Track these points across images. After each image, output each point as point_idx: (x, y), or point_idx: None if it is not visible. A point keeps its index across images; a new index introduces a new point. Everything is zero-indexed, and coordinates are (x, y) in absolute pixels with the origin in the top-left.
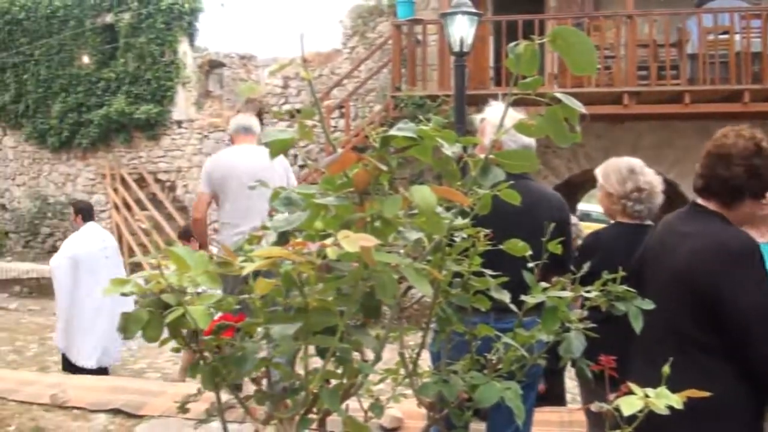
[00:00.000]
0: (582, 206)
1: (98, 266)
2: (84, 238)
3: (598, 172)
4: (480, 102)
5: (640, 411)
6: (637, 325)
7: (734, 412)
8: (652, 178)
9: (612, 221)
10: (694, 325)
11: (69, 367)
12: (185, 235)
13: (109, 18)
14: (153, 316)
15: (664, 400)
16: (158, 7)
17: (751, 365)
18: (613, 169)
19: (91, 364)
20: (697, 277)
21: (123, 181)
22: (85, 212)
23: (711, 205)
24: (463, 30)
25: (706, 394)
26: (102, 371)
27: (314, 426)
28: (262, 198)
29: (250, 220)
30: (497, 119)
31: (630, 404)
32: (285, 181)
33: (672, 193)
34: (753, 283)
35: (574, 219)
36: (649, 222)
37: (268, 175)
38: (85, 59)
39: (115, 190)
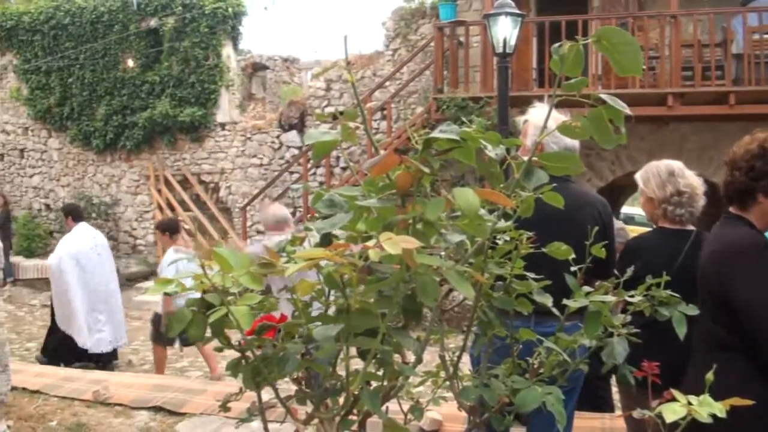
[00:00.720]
0: (625, 209)
1: (91, 263)
2: (77, 237)
3: (639, 176)
4: (523, 103)
5: (683, 418)
6: (681, 331)
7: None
8: (692, 181)
9: (655, 226)
10: (715, 325)
11: (70, 355)
12: (162, 228)
13: (153, 22)
14: (196, 315)
15: (707, 407)
16: (202, 11)
17: (763, 361)
18: (653, 173)
19: (96, 348)
20: (711, 278)
21: (167, 182)
22: (75, 214)
23: (734, 210)
24: (506, 31)
25: (749, 402)
26: (111, 355)
27: (354, 427)
28: None
29: None
30: (540, 121)
31: (673, 411)
32: None
33: (716, 197)
34: (761, 281)
35: (619, 223)
36: (691, 227)
37: None
38: (130, 63)
39: (159, 191)
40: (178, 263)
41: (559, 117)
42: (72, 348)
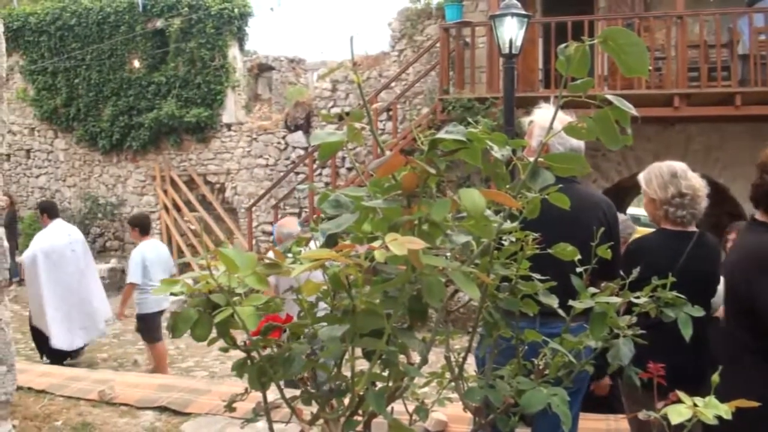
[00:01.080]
0: (631, 210)
1: (64, 259)
2: (51, 234)
3: (641, 177)
4: (529, 104)
5: (688, 420)
6: (687, 332)
7: None
8: (695, 182)
9: (657, 227)
10: (741, 330)
11: (47, 351)
12: (133, 223)
13: (159, 23)
14: (202, 315)
15: (713, 409)
16: (208, 12)
17: None
18: (655, 174)
19: (67, 346)
20: (738, 285)
21: (173, 182)
22: (50, 211)
23: (760, 216)
24: (512, 32)
25: (755, 404)
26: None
27: (359, 428)
28: None
29: None
30: (546, 122)
31: (678, 413)
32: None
33: (721, 198)
34: None
35: (624, 217)
36: (693, 228)
37: None
38: (136, 63)
39: (165, 192)
40: (146, 263)
41: (565, 118)
42: (44, 342)
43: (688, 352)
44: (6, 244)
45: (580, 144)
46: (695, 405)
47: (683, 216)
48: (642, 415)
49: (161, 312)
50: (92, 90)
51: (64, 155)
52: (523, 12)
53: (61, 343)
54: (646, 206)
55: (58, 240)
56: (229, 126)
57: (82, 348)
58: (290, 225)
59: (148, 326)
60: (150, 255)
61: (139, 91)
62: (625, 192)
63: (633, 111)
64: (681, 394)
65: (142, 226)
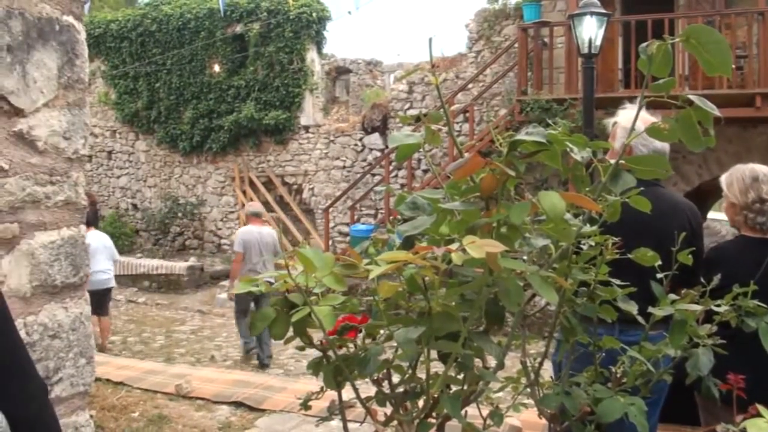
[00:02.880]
0: (712, 215)
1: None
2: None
3: (723, 179)
4: (608, 105)
5: None
6: (767, 343)
7: None
8: None
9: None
10: None
11: None
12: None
13: (239, 28)
14: (279, 314)
15: None
16: (287, 16)
17: None
18: (737, 177)
19: None
20: None
21: (251, 183)
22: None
23: None
24: (591, 31)
25: None
26: None
27: (433, 430)
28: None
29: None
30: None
31: (758, 427)
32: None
33: None
34: None
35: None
36: None
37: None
38: (216, 68)
39: (244, 192)
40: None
41: (648, 119)
42: None
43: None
44: (88, 241)
45: (664, 146)
46: None
47: (763, 222)
48: (721, 428)
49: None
50: (173, 94)
51: (145, 156)
52: (603, 11)
53: None
54: (726, 210)
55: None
56: (306, 128)
57: None
58: (255, 206)
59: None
60: (94, 244)
61: (219, 95)
62: (706, 196)
63: (716, 112)
64: (761, 408)
65: (88, 221)
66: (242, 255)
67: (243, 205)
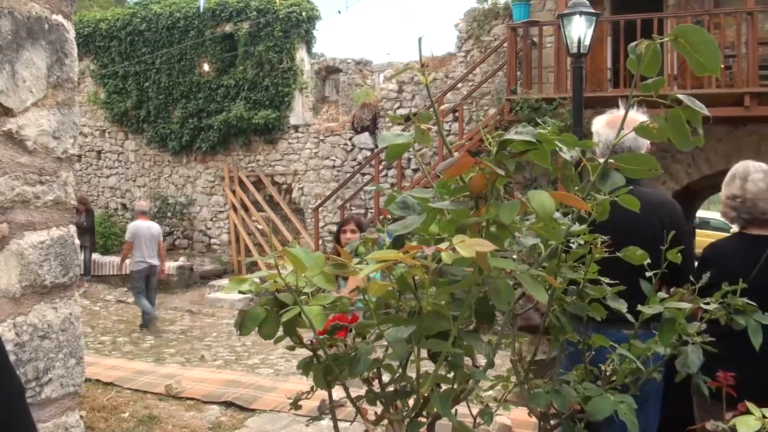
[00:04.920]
0: (701, 213)
1: None
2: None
3: (726, 180)
4: (598, 104)
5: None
6: (757, 341)
7: None
8: (751, 187)
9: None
10: None
11: None
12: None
13: (228, 27)
14: (269, 314)
15: None
16: (276, 15)
17: None
18: (730, 172)
19: None
20: None
21: (241, 183)
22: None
23: None
24: (580, 31)
25: None
26: None
27: (423, 429)
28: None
29: (149, 257)
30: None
31: (747, 424)
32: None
33: None
34: None
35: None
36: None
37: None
38: (206, 67)
39: (234, 192)
40: None
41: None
42: None
43: (759, 362)
44: (77, 241)
45: (638, 144)
46: (765, 417)
47: (733, 217)
48: (710, 425)
49: None
50: (162, 93)
51: (134, 156)
52: (592, 10)
53: None
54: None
55: None
56: (296, 127)
57: None
58: (143, 205)
59: None
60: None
61: (209, 94)
62: (695, 194)
63: (705, 111)
64: (750, 406)
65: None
66: (131, 244)
67: (233, 204)
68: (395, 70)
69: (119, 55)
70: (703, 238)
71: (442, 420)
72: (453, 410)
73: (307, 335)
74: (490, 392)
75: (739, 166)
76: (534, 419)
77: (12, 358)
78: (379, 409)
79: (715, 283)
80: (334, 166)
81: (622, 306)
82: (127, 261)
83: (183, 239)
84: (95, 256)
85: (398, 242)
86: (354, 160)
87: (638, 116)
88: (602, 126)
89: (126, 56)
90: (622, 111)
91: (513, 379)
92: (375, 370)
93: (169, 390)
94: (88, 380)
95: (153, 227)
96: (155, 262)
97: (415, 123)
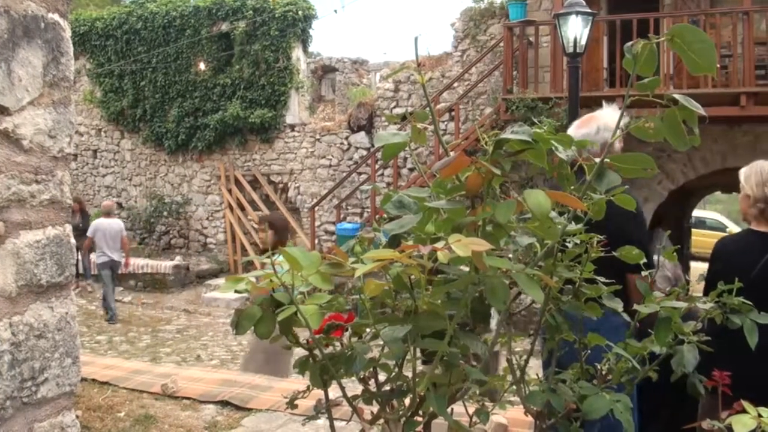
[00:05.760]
0: (697, 213)
1: None
2: None
3: (742, 171)
4: (594, 104)
5: (753, 430)
6: (752, 340)
7: None
8: None
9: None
10: None
11: None
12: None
13: (224, 26)
14: (265, 313)
15: None
16: (273, 14)
17: None
18: (755, 171)
19: None
20: None
21: (237, 182)
22: None
23: None
24: (576, 30)
25: None
26: None
27: (419, 428)
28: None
29: (108, 251)
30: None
31: (743, 423)
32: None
33: None
34: None
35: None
36: None
37: (117, 228)
38: (202, 66)
39: (230, 191)
40: None
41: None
42: None
43: (755, 361)
44: (73, 240)
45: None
46: (760, 415)
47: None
48: (706, 424)
49: None
50: (158, 92)
51: (130, 155)
52: (588, 10)
53: None
54: (740, 202)
55: None
56: (292, 127)
57: None
58: (108, 205)
59: None
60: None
61: (205, 93)
62: (691, 194)
63: (701, 111)
64: (746, 404)
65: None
66: (92, 239)
67: (229, 204)
68: (391, 69)
69: (115, 53)
70: (699, 238)
71: (438, 419)
72: (449, 409)
73: (303, 334)
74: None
75: (765, 164)
76: (530, 418)
77: (8, 357)
78: (375, 408)
79: (721, 278)
80: (330, 166)
81: (618, 305)
82: (93, 256)
83: (179, 238)
84: (91, 255)
85: (394, 241)
86: (350, 159)
87: (613, 114)
88: (573, 128)
89: (122, 55)
90: (598, 110)
91: (509, 378)
92: (371, 369)
93: (165, 389)
94: (84, 380)
95: (114, 223)
96: (117, 257)
97: (412, 122)
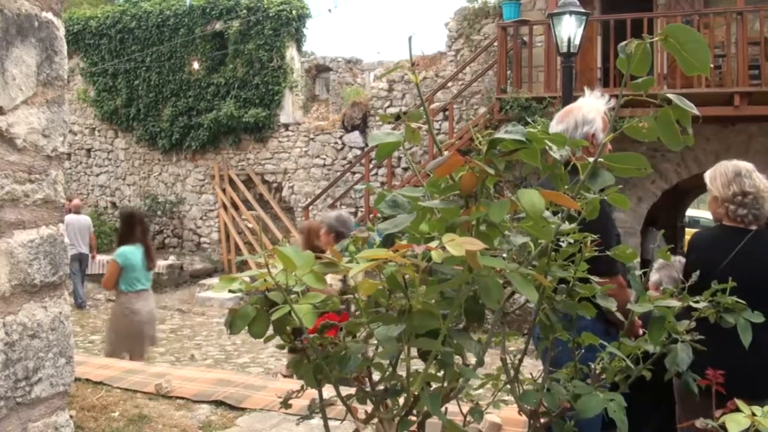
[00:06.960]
0: (690, 212)
1: None
2: None
3: (707, 174)
4: None
5: (746, 430)
6: (746, 338)
7: None
8: (759, 183)
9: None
10: None
11: None
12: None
13: (218, 25)
14: (259, 312)
15: None
16: (266, 13)
17: None
18: (720, 172)
19: None
20: None
21: (231, 181)
22: None
23: None
24: (570, 30)
25: None
26: None
27: (413, 428)
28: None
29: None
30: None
31: (736, 422)
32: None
33: None
34: None
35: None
36: (754, 227)
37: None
38: (195, 65)
39: (224, 191)
40: None
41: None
42: None
43: (745, 358)
44: (67, 240)
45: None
46: (754, 414)
47: (744, 215)
48: (700, 423)
49: None
50: (152, 91)
51: (124, 154)
52: (582, 10)
53: None
54: (709, 204)
55: None
56: (286, 126)
57: None
58: (76, 204)
59: None
60: None
61: (199, 92)
62: (684, 193)
63: (695, 110)
64: (739, 403)
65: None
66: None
67: (223, 203)
68: (385, 68)
69: (109, 52)
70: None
71: (432, 418)
72: (443, 409)
73: None
74: (480, 391)
75: (729, 165)
76: (524, 417)
77: (1, 357)
78: (369, 407)
79: (695, 269)
80: (324, 165)
81: (612, 304)
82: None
83: (173, 238)
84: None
85: (388, 241)
86: (344, 158)
87: (597, 102)
88: (553, 123)
89: (116, 54)
90: (577, 101)
91: (503, 377)
92: (365, 368)
93: (159, 389)
94: (77, 379)
95: (83, 219)
96: (84, 250)
97: (406, 122)
